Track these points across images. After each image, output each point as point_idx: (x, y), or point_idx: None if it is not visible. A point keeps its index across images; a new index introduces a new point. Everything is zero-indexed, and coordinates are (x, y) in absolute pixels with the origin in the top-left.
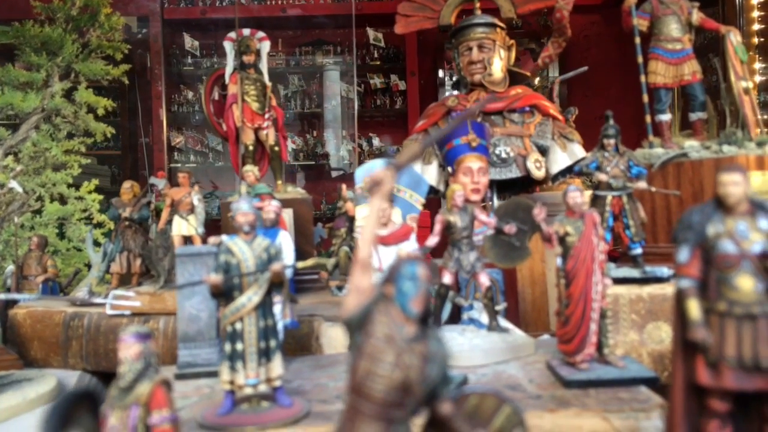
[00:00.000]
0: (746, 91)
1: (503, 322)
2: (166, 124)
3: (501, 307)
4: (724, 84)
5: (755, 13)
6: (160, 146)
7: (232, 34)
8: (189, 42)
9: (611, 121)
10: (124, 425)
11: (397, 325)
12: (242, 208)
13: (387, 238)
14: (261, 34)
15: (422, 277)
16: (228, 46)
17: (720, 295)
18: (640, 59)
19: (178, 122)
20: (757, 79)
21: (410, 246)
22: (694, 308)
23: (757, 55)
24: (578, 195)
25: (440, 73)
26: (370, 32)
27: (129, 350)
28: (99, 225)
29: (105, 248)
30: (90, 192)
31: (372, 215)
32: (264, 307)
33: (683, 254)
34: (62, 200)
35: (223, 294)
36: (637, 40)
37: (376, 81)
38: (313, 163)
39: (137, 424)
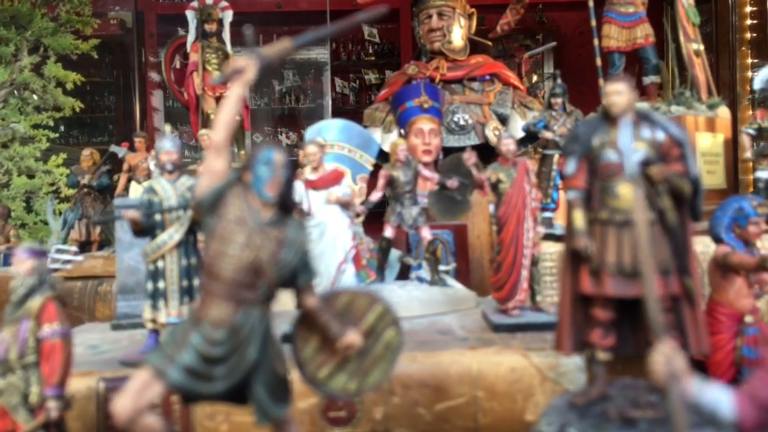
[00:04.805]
0: (697, 53)
1: (451, 282)
2: (149, 114)
3: (450, 267)
4: (673, 45)
5: (748, 9)
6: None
7: (194, 3)
8: None
9: (559, 80)
10: (15, 338)
11: (252, 209)
12: (165, 147)
13: (317, 182)
14: (224, 3)
15: (277, 163)
16: (190, 15)
17: (602, 204)
18: (593, 23)
19: (172, 117)
20: (750, 74)
21: (340, 190)
22: (579, 218)
23: (749, 51)
24: (511, 142)
25: None
26: (365, 28)
27: (22, 265)
28: (66, 199)
29: (65, 216)
30: (58, 166)
31: (231, 101)
32: (186, 246)
33: (570, 166)
34: (30, 174)
35: (146, 232)
36: (591, 3)
37: (371, 77)
38: None
39: (27, 337)
